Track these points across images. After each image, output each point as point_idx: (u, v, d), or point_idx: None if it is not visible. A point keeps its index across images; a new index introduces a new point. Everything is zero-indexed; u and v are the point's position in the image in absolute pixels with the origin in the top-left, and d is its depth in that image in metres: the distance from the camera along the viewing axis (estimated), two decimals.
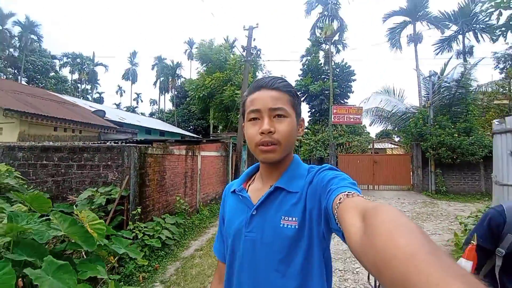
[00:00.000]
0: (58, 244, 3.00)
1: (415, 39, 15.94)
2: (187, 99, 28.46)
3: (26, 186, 4.54)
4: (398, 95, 13.62)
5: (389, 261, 0.32)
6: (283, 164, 0.82)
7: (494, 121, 3.75)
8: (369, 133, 22.42)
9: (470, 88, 11.75)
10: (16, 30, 31.79)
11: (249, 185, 0.90)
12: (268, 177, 0.84)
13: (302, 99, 21.00)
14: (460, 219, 4.09)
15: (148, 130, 22.24)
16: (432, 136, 10.79)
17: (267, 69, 16.45)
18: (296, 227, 0.72)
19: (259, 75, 16.87)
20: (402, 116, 13.77)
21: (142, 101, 54.55)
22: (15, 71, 34.62)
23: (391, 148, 24.10)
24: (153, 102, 58.99)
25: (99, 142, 5.77)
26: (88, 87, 46.86)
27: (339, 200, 0.56)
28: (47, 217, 2.87)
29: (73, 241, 2.77)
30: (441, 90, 11.56)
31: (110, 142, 5.20)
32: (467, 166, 10.81)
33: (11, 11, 30.10)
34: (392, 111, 14.14)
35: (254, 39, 10.52)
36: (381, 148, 23.30)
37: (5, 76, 32.70)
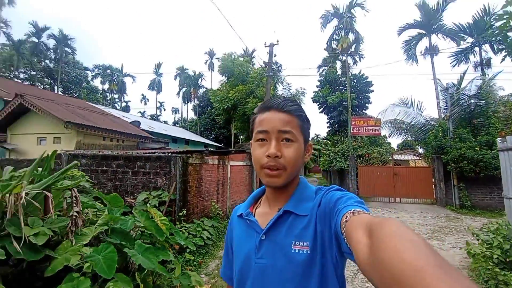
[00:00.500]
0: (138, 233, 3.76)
1: (431, 51, 16.16)
2: (212, 109, 29.68)
3: (92, 188, 5.42)
4: (417, 107, 13.88)
5: (397, 277, 0.32)
6: (290, 187, 0.81)
7: (497, 139, 4.22)
8: (390, 143, 22.14)
9: (490, 100, 11.86)
10: (51, 43, 34.58)
11: (256, 208, 0.88)
12: (275, 201, 0.82)
13: (320, 110, 21.63)
14: (472, 229, 4.52)
15: (174, 139, 23.46)
16: (452, 149, 10.95)
17: (287, 81, 17.15)
18: (308, 252, 0.70)
19: (279, 87, 17.64)
20: (422, 128, 13.95)
21: (165, 109, 56.81)
22: (51, 82, 37.48)
23: (414, 160, 23.82)
24: (175, 110, 61.37)
25: (149, 152, 6.65)
26: (116, 96, 49.74)
27: (346, 218, 0.56)
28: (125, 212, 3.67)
29: (145, 232, 3.55)
30: (460, 102, 11.76)
31: (159, 153, 6.03)
32: (492, 180, 10.53)
33: (46, 25, 32.81)
34: (412, 123, 14.35)
35: (275, 55, 11.29)
36: (403, 160, 23.07)
37: (42, 86, 35.50)
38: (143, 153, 6.13)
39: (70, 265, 2.60)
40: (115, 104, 48.55)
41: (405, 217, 9.16)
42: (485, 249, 3.82)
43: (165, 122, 44.77)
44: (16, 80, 28.98)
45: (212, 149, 9.01)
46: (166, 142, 12.70)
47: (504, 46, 6.85)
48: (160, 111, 57.60)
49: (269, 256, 0.74)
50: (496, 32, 5.73)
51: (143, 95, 57.07)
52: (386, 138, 21.45)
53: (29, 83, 34.01)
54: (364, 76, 21.05)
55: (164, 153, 5.98)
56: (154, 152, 6.10)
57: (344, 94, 19.06)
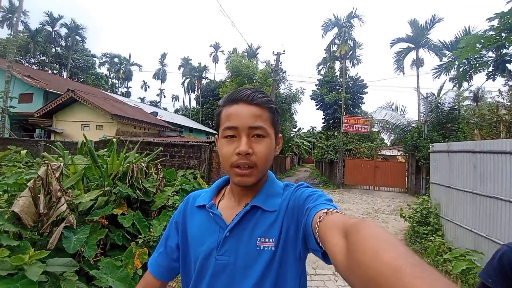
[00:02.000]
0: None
1: (417, 63, 18.20)
2: (217, 100, 31.48)
3: None
4: (400, 111, 15.90)
5: (376, 277, 0.32)
6: (259, 182, 0.77)
7: (430, 145, 6.29)
8: (383, 139, 23.71)
9: (461, 109, 13.95)
10: (63, 31, 35.95)
11: (220, 200, 0.82)
12: (241, 195, 0.78)
13: (317, 107, 23.57)
14: (409, 203, 6.67)
15: (180, 127, 25.39)
16: (424, 148, 13.09)
17: (288, 81, 19.02)
18: (273, 248, 0.69)
19: (282, 86, 19.52)
20: (404, 129, 16.04)
21: (165, 96, 58.36)
22: (60, 67, 38.84)
23: (400, 155, 26.12)
24: (175, 98, 62.90)
25: (183, 140, 8.66)
26: (117, 82, 51.07)
27: (319, 218, 0.55)
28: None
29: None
30: (436, 109, 13.83)
31: (192, 142, 8.04)
32: None
33: (59, 15, 34.13)
34: (395, 124, 16.43)
35: (281, 63, 13.20)
36: (392, 155, 25.33)
37: (51, 71, 36.89)
38: (179, 141, 8.13)
39: (164, 204, 4.65)
40: (116, 90, 50.07)
41: (378, 201, 11.37)
42: (411, 213, 5.98)
43: (165, 109, 46.43)
44: (26, 65, 30.45)
45: None
46: (180, 131, 14.66)
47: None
48: (160, 98, 59.14)
49: (231, 253, 0.71)
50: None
51: (144, 81, 58.43)
52: (380, 134, 23.54)
53: (39, 67, 35.42)
54: (359, 79, 22.93)
55: (196, 142, 8.00)
56: (188, 141, 8.10)
57: (340, 94, 20.95)
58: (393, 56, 19.54)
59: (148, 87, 59.93)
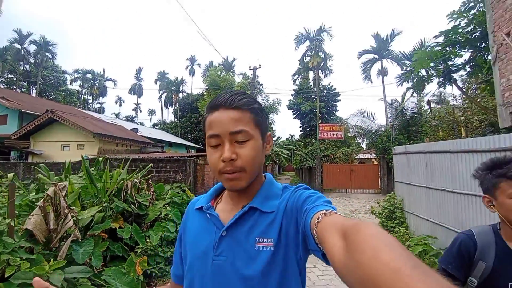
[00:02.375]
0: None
1: (382, 73, 19.93)
2: (194, 114, 31.71)
3: None
4: (371, 117, 17.12)
5: (375, 278, 0.32)
6: (255, 184, 0.77)
7: (393, 148, 7.13)
8: (359, 143, 24.66)
9: (423, 113, 15.35)
10: (32, 48, 34.91)
11: (217, 203, 0.83)
12: (238, 198, 0.78)
13: (294, 116, 24.56)
14: (379, 201, 7.43)
15: (160, 141, 25.29)
16: (392, 150, 14.21)
17: (265, 94, 19.84)
18: (272, 248, 0.68)
19: (259, 98, 20.25)
20: (374, 133, 17.25)
21: (141, 111, 57.48)
22: (28, 85, 37.40)
23: (374, 158, 27.65)
24: (151, 112, 62.07)
25: (168, 156, 8.96)
26: (90, 98, 49.80)
27: (317, 219, 0.55)
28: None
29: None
30: (400, 115, 15.11)
31: (177, 157, 8.38)
32: None
33: (29, 31, 33.21)
34: (367, 129, 17.62)
35: (257, 76, 13.91)
36: (367, 158, 26.75)
37: (19, 89, 35.43)
38: (165, 157, 8.45)
39: (158, 215, 4.99)
40: (88, 106, 48.82)
41: (355, 202, 12.18)
42: (380, 210, 6.71)
43: (142, 124, 45.86)
44: None
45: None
46: (161, 147, 14.83)
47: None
48: (136, 113, 58.17)
49: (228, 253, 0.71)
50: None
51: (118, 96, 57.31)
52: (355, 139, 24.79)
53: (7, 86, 33.94)
54: (332, 88, 24.28)
55: (181, 157, 8.35)
56: (173, 157, 8.44)
57: (315, 103, 22.05)
58: (360, 66, 21.29)
59: (123, 102, 58.89)
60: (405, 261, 0.32)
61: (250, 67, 13.49)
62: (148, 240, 4.44)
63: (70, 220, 3.33)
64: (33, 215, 3.09)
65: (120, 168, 5.37)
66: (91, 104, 50.22)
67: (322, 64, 21.27)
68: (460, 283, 1.11)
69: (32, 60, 34.99)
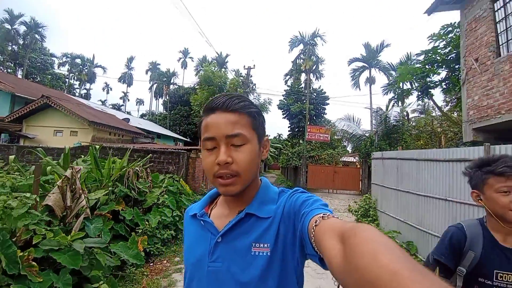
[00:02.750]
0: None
1: (370, 81, 20.95)
2: (185, 107, 31.81)
3: None
4: (356, 122, 18.00)
5: (373, 281, 0.32)
6: (251, 189, 0.76)
7: (372, 153, 7.85)
8: (345, 146, 25.44)
9: (405, 122, 16.34)
10: (22, 28, 33.93)
11: (212, 209, 0.83)
12: (234, 203, 0.78)
13: (284, 116, 25.21)
14: (356, 201, 8.16)
15: (149, 132, 25.37)
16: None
17: (257, 93, 20.37)
18: (269, 254, 0.68)
19: (251, 97, 20.77)
20: (359, 138, 18.15)
21: (129, 100, 56.73)
22: (14, 66, 36.30)
23: (358, 162, 28.77)
24: (139, 101, 61.38)
25: (162, 148, 9.36)
26: (77, 83, 48.73)
27: (315, 223, 0.55)
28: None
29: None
30: (384, 122, 16.04)
31: (171, 149, 8.81)
32: None
33: (20, 13, 32.28)
34: (352, 134, 18.50)
35: (251, 76, 14.43)
36: (351, 162, 27.78)
37: (5, 70, 34.36)
38: (159, 148, 8.85)
39: (155, 202, 5.47)
40: (74, 91, 47.82)
41: (336, 201, 12.96)
42: (357, 208, 7.42)
43: (129, 113, 45.44)
44: None
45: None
46: (152, 138, 15.10)
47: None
48: (124, 102, 57.32)
49: (224, 260, 0.70)
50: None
51: (106, 83, 56.21)
52: (341, 142, 25.71)
53: None
54: (322, 91, 25.06)
55: (175, 149, 8.79)
56: (167, 149, 8.85)
57: (305, 105, 22.75)
58: (350, 73, 22.26)
59: (111, 89, 57.81)
60: (404, 264, 0.32)
61: (244, 66, 14.03)
62: (147, 222, 4.92)
63: (83, 200, 3.77)
64: (53, 193, 3.52)
65: (126, 157, 5.77)
66: (76, 90, 49.18)
67: (314, 67, 22.02)
68: (451, 271, 1.19)
69: (21, 42, 33.98)
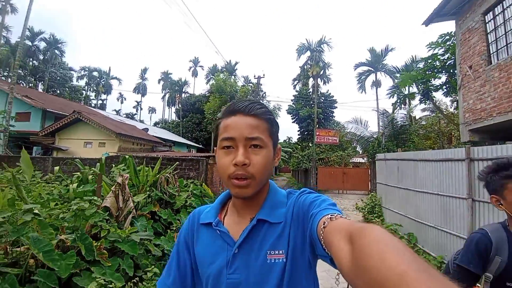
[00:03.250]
0: None
1: (376, 84, 21.49)
2: (196, 114, 32.96)
3: None
4: (364, 124, 18.50)
5: (382, 282, 0.32)
6: (260, 193, 0.77)
7: (376, 155, 8.47)
8: (356, 147, 25.88)
9: (412, 123, 16.77)
10: (42, 45, 36.05)
11: (224, 216, 0.82)
12: (244, 209, 0.78)
13: (293, 120, 25.89)
14: (363, 199, 8.77)
15: (164, 140, 26.51)
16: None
17: (266, 100, 21.18)
18: (284, 260, 0.69)
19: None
20: (367, 140, 18.63)
21: (141, 109, 58.66)
22: (35, 80, 38.46)
23: (367, 163, 29.12)
24: (152, 110, 63.22)
25: (183, 156, 10.23)
26: (92, 94, 50.92)
27: (323, 224, 0.56)
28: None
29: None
30: (391, 124, 16.50)
31: (191, 156, 9.66)
32: None
33: (40, 30, 34.35)
34: (360, 136, 19.00)
35: (261, 84, 15.23)
36: (361, 162, 28.12)
37: (25, 84, 36.47)
38: (180, 156, 9.72)
39: (184, 204, 6.26)
40: (90, 102, 50.00)
41: (346, 201, 13.52)
42: (364, 206, 8.05)
43: (142, 121, 47.10)
44: (3, 78, 30.18)
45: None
46: (170, 146, 16.09)
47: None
48: (137, 110, 59.27)
49: (242, 271, 0.71)
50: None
51: (120, 93, 58.44)
52: (351, 143, 26.09)
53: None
54: (330, 95, 25.63)
55: (195, 156, 9.64)
56: (188, 156, 9.70)
57: (313, 109, 23.35)
58: (356, 77, 22.87)
59: (125, 99, 59.97)
60: (412, 265, 0.32)
61: (254, 76, 14.85)
62: (178, 221, 5.72)
63: (131, 202, 4.60)
64: (109, 196, 4.35)
65: (157, 165, 6.61)
66: (92, 100, 51.39)
67: (321, 72, 22.70)
68: (478, 278, 1.15)
69: (41, 57, 36.07)
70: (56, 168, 7.34)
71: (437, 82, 9.95)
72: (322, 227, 0.56)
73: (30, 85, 37.78)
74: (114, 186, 4.46)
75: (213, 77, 34.23)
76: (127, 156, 8.40)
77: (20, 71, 35.14)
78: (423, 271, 0.31)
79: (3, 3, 22.99)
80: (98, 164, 7.68)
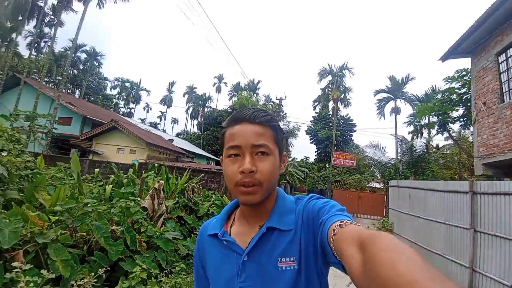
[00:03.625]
0: None
1: (395, 111, 21.74)
2: (217, 128, 34.23)
3: None
4: (381, 150, 18.62)
5: None
6: (268, 201, 0.76)
7: (389, 181, 8.78)
8: (374, 171, 25.71)
9: (432, 152, 16.74)
10: (82, 56, 39.51)
11: (231, 226, 0.82)
12: (253, 217, 0.78)
13: (311, 141, 26.31)
14: (375, 223, 9.00)
15: (187, 152, 27.70)
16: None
17: (286, 120, 21.93)
18: (296, 267, 0.69)
19: (281, 123, 22.34)
20: (384, 165, 18.66)
21: (165, 119, 61.39)
22: (72, 87, 41.77)
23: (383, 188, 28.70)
24: (174, 121, 65.85)
25: (206, 168, 10.99)
26: (121, 103, 54.23)
27: (333, 231, 0.55)
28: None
29: None
30: (409, 151, 16.57)
31: (214, 169, 10.38)
32: None
33: (83, 42, 37.74)
34: (377, 161, 19.07)
35: (282, 106, 15.97)
36: (380, 188, 27.73)
37: (64, 90, 39.70)
38: (203, 168, 10.47)
39: (206, 212, 6.88)
40: (119, 109, 53.13)
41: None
42: (375, 230, 8.36)
43: (164, 131, 49.20)
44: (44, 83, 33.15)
45: None
46: (192, 157, 17.02)
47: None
48: (161, 120, 62.02)
49: (253, 278, 0.71)
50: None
51: (147, 103, 61.63)
52: (369, 168, 25.97)
53: (55, 87, 38.17)
54: (349, 119, 25.97)
55: (216, 169, 10.36)
56: (210, 169, 10.44)
57: (331, 131, 23.73)
58: (376, 103, 23.24)
59: (150, 109, 63.13)
60: (423, 273, 0.32)
61: (276, 97, 15.70)
62: None
63: (163, 206, 5.29)
64: (147, 199, 5.07)
65: (186, 175, 7.35)
66: (121, 108, 54.61)
67: (341, 96, 23.27)
68: None
69: (81, 67, 39.37)
70: (97, 170, 8.26)
71: (454, 114, 10.22)
72: (332, 234, 0.56)
73: (69, 91, 41.01)
74: (151, 190, 5.18)
75: (236, 94, 35.52)
76: (156, 164, 9.25)
77: (61, 78, 38.51)
78: (434, 278, 0.31)
79: (55, 18, 25.83)
80: (130, 169, 8.57)
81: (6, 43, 22.76)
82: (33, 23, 26.77)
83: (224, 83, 48.24)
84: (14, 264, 2.39)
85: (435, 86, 17.30)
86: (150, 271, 3.68)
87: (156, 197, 5.21)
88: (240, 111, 0.75)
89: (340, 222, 0.57)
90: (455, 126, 10.93)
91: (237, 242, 0.75)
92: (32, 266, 2.55)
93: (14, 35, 22.99)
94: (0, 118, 6.55)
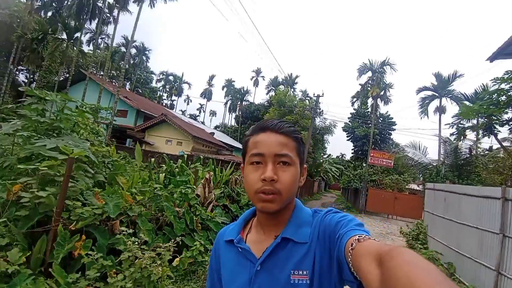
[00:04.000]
0: None
1: (440, 110, 20.40)
2: (254, 122, 35.32)
3: None
4: (422, 151, 17.92)
5: None
6: (286, 211, 0.77)
7: (424, 184, 8.78)
8: (416, 173, 24.76)
9: (479, 156, 15.81)
10: (133, 51, 42.95)
11: (247, 234, 0.83)
12: (269, 226, 0.78)
13: (348, 138, 25.97)
14: (408, 226, 9.12)
15: (226, 145, 29.09)
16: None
17: (323, 116, 21.92)
18: (308, 282, 0.68)
19: (317, 119, 22.45)
20: (425, 167, 17.97)
21: (204, 111, 64.21)
22: (123, 80, 45.75)
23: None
24: (213, 113, 68.47)
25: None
26: (164, 95, 57.92)
27: (351, 246, 0.55)
28: None
29: None
30: (454, 153, 15.81)
31: None
32: None
33: (134, 39, 40.99)
34: (418, 162, 18.41)
35: (320, 103, 16.21)
36: (419, 190, 26.55)
37: (116, 83, 43.69)
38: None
39: (247, 202, 7.65)
40: (162, 101, 56.86)
41: (394, 227, 13.56)
42: (408, 232, 8.49)
43: (203, 123, 51.67)
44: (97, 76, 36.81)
45: None
46: (231, 150, 18.12)
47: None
48: (200, 113, 65.07)
49: None
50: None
51: (187, 95, 64.92)
52: (410, 168, 24.89)
53: (109, 80, 42.09)
54: (389, 116, 25.10)
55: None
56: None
57: (369, 129, 23.26)
58: (418, 101, 22.02)
59: (191, 101, 66.49)
60: (440, 287, 0.32)
61: (314, 94, 15.93)
62: None
63: (212, 194, 6.17)
64: (200, 187, 5.98)
65: (231, 168, 8.22)
66: (164, 100, 58.40)
67: (381, 93, 22.58)
68: None
69: (131, 61, 42.84)
70: (152, 159, 9.50)
71: (504, 116, 9.73)
72: (350, 248, 0.55)
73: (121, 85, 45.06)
74: (203, 180, 6.08)
75: (274, 88, 36.03)
76: (201, 157, 10.28)
77: (114, 72, 42.26)
78: None
79: (110, 16, 28.51)
80: (179, 160, 9.68)
81: (72, 41, 25.77)
82: (92, 21, 29.85)
83: (262, 77, 48.98)
84: (121, 228, 3.34)
85: (486, 84, 16.09)
86: (206, 246, 4.54)
87: (207, 186, 6.10)
88: (266, 120, 0.78)
89: (359, 236, 0.57)
90: (504, 129, 10.35)
91: (251, 250, 0.76)
92: (132, 231, 3.50)
93: (78, 34, 25.93)
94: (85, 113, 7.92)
